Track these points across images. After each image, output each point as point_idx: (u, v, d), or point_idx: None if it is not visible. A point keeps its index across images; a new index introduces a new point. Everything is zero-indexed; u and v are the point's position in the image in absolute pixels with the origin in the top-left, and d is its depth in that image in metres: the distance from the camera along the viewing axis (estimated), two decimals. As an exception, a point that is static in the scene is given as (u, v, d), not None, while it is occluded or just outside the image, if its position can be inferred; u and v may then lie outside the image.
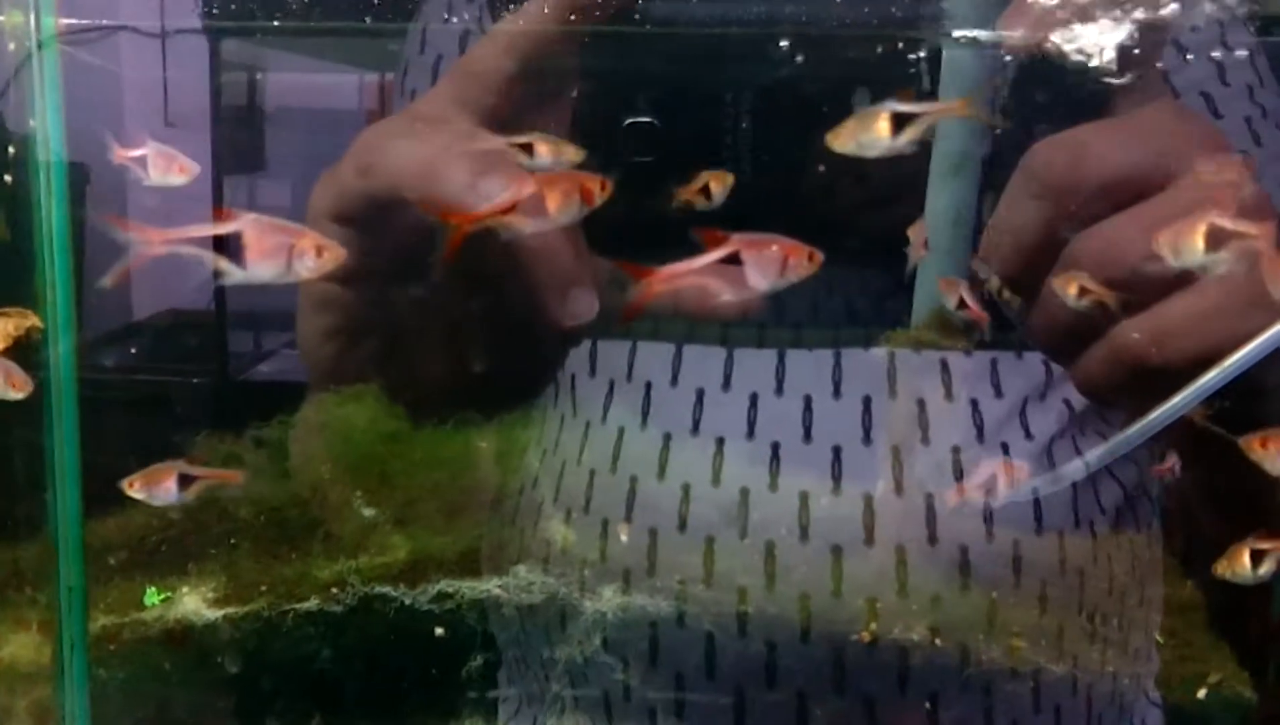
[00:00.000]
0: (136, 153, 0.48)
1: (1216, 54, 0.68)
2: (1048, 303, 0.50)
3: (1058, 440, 0.67)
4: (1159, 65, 0.55)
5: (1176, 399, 0.49)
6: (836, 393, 0.67)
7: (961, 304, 0.56)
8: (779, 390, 0.67)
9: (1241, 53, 0.69)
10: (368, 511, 0.64)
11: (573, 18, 0.51)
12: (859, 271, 0.65)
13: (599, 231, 0.52)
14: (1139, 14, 0.49)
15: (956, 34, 0.55)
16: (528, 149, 0.49)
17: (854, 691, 0.64)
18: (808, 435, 0.66)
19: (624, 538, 0.66)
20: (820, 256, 0.46)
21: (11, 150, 0.62)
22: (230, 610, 0.70)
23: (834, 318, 0.67)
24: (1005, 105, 0.53)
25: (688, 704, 0.66)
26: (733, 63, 0.58)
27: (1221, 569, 0.54)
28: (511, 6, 0.52)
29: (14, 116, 0.62)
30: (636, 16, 0.54)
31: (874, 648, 0.63)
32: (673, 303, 0.49)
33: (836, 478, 0.65)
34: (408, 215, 0.50)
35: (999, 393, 0.67)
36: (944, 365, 0.67)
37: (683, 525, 0.65)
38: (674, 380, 0.68)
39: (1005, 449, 0.66)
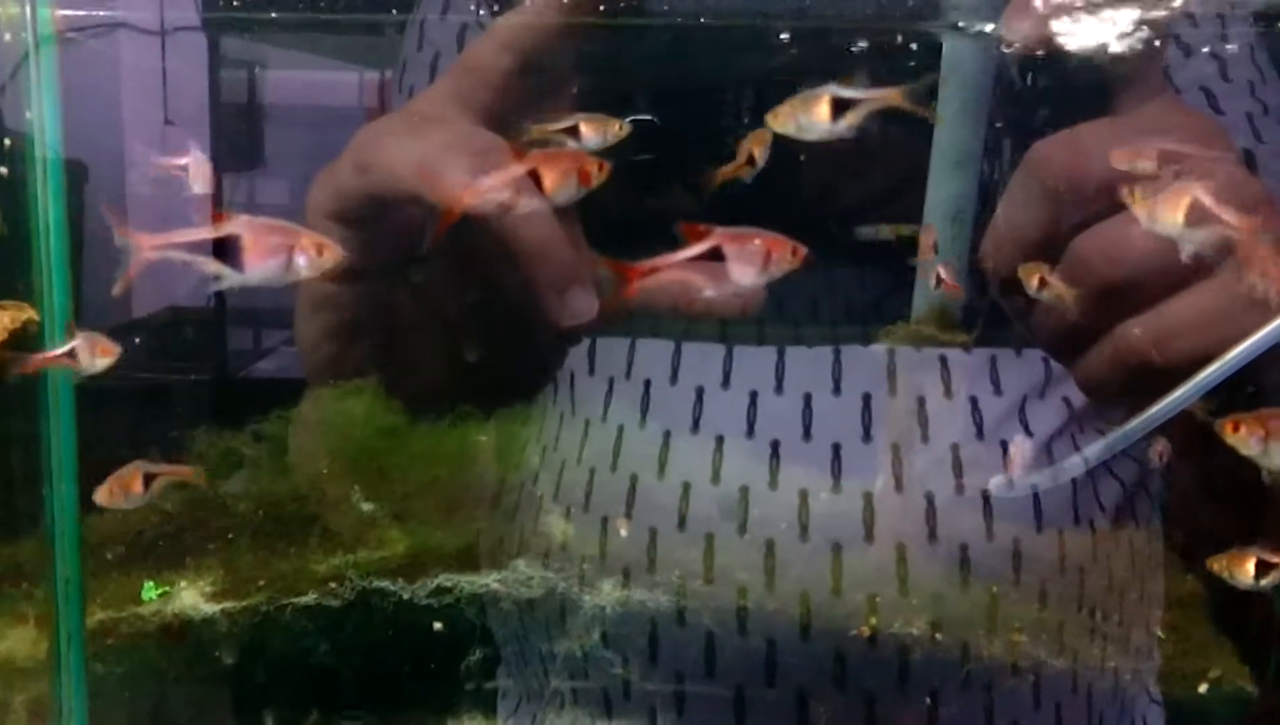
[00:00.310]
0: (180, 161, 0.47)
1: (1218, 50, 0.68)
2: (1050, 301, 0.49)
3: (1057, 438, 0.67)
4: (1160, 62, 0.54)
5: (1173, 396, 0.49)
6: (836, 390, 0.66)
7: (939, 281, 0.56)
8: (778, 388, 0.67)
9: (1242, 48, 0.69)
10: (366, 506, 0.64)
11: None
12: (859, 268, 0.65)
13: (600, 230, 0.52)
14: (1140, 11, 0.49)
15: (959, 26, 0.55)
16: (574, 131, 0.49)
17: (854, 688, 0.64)
18: (807, 433, 0.66)
19: (623, 532, 0.66)
20: (804, 251, 0.46)
21: (8, 142, 0.62)
22: (228, 605, 0.70)
23: (833, 314, 0.67)
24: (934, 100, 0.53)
25: (687, 700, 0.66)
26: (732, 57, 0.58)
27: (1219, 568, 0.54)
28: (509, 3, 0.52)
29: (12, 111, 0.62)
30: (636, 9, 0.54)
31: (874, 644, 0.63)
32: (670, 301, 0.49)
33: (836, 475, 0.65)
34: (406, 213, 0.49)
35: (998, 390, 0.67)
36: (943, 362, 0.67)
37: (682, 523, 0.65)
38: (673, 378, 0.68)
39: (1005, 447, 0.66)
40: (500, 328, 0.53)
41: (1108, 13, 0.49)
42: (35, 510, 0.64)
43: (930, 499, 0.64)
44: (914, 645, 0.63)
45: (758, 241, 0.46)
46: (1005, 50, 0.52)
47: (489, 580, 0.68)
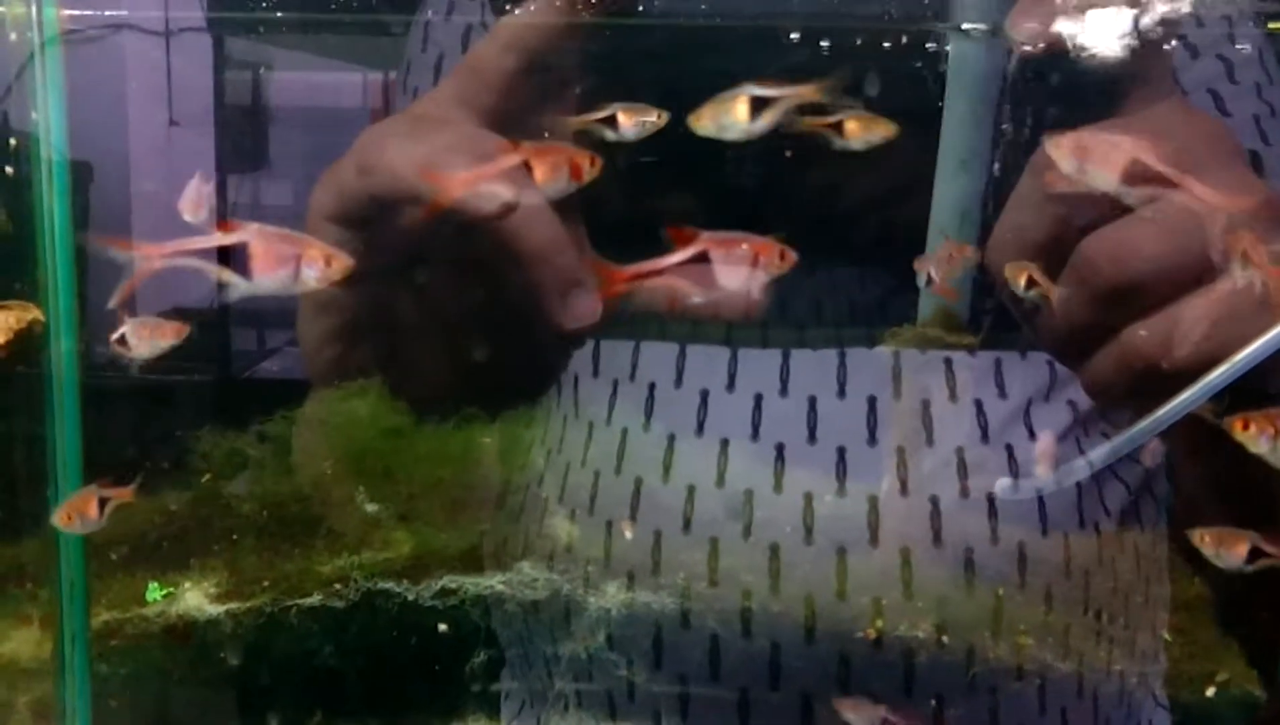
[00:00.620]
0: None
1: (1225, 51, 0.68)
2: (1057, 304, 0.49)
3: (1062, 441, 0.66)
4: (1168, 64, 0.54)
5: (1179, 399, 0.49)
6: (841, 393, 0.66)
7: (930, 281, 0.56)
8: (783, 391, 0.67)
9: (1250, 50, 0.69)
10: (371, 507, 0.64)
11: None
12: (863, 270, 0.65)
13: (604, 232, 0.52)
14: (1148, 12, 0.49)
15: (966, 27, 0.54)
16: (611, 121, 0.49)
17: (859, 692, 0.63)
18: (812, 436, 0.66)
19: (628, 534, 0.66)
20: (792, 254, 0.46)
21: (14, 142, 0.62)
22: (232, 606, 0.70)
23: (838, 317, 0.67)
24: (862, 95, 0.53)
25: (692, 702, 0.66)
26: (737, 57, 0.58)
27: (1207, 545, 0.53)
28: (513, 4, 0.52)
29: (17, 110, 0.62)
30: (639, 10, 0.54)
31: (879, 648, 0.63)
32: (674, 303, 0.48)
33: (841, 478, 0.65)
34: (409, 215, 0.49)
35: (1003, 393, 0.67)
36: (948, 365, 0.67)
37: (687, 525, 0.65)
38: (678, 381, 0.68)
39: (1010, 450, 0.66)
40: (504, 330, 0.53)
41: (1115, 13, 0.48)
42: (40, 511, 0.64)
43: (935, 502, 0.64)
44: (919, 648, 0.63)
45: (745, 245, 0.45)
46: (1012, 51, 0.51)
47: (494, 582, 0.68)
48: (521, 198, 0.48)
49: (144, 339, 0.49)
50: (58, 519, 0.60)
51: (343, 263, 0.45)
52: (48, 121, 0.61)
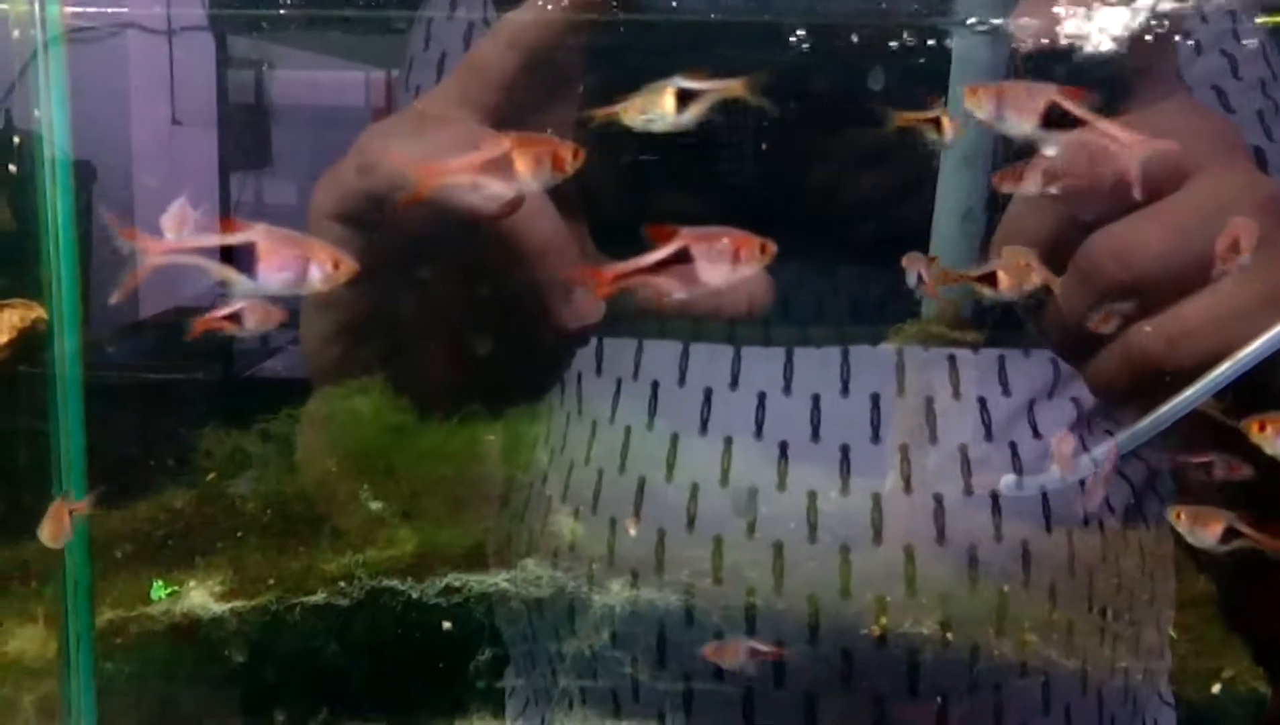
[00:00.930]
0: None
1: (1228, 47, 0.68)
2: (1061, 302, 0.49)
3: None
4: (1173, 60, 0.54)
5: (1183, 396, 0.49)
6: (844, 391, 0.66)
7: (920, 281, 0.56)
8: (787, 389, 0.67)
9: (1254, 45, 0.69)
10: (375, 505, 0.64)
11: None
12: (867, 267, 0.65)
13: (605, 231, 0.52)
14: (1152, 8, 0.49)
15: (969, 23, 0.54)
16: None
17: (863, 689, 0.64)
18: (816, 433, 0.66)
19: (632, 532, 0.66)
20: (773, 248, 0.46)
21: (17, 140, 0.62)
22: (237, 604, 0.70)
23: (841, 315, 0.67)
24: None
25: (696, 700, 0.66)
26: (740, 54, 0.58)
27: (1182, 525, 0.53)
28: (516, 1, 0.51)
29: (20, 109, 0.62)
30: (642, 5, 0.54)
31: (883, 645, 0.63)
32: (681, 303, 0.48)
33: (845, 475, 0.65)
34: (410, 214, 0.49)
35: (1007, 391, 0.67)
36: (952, 363, 0.67)
37: (691, 523, 0.65)
38: (681, 379, 0.68)
39: (1013, 447, 0.66)
40: (506, 328, 0.53)
41: (1118, 9, 0.48)
42: (44, 510, 0.64)
43: (939, 499, 0.64)
44: (923, 646, 0.63)
45: (725, 240, 0.45)
46: (1016, 47, 0.51)
47: (498, 580, 0.68)
48: (524, 196, 0.48)
49: (254, 318, 0.50)
50: (45, 535, 0.61)
51: (349, 266, 0.45)
52: (50, 120, 0.61)
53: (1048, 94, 0.44)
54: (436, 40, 0.76)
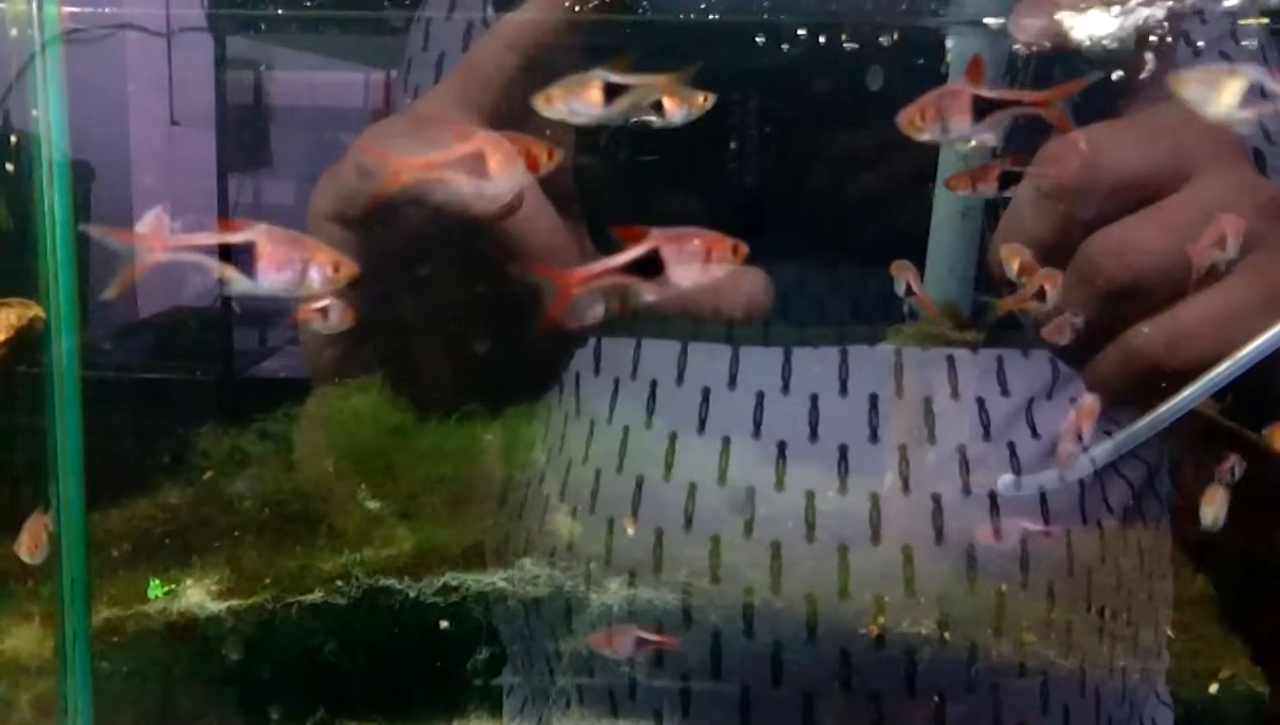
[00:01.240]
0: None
1: (1227, 48, 0.68)
2: (1060, 303, 0.49)
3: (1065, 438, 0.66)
4: (1171, 62, 0.54)
5: (1181, 396, 0.49)
6: (843, 391, 0.66)
7: (909, 291, 0.56)
8: (785, 388, 0.67)
9: (1253, 46, 0.69)
10: (372, 504, 0.64)
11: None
12: (865, 267, 0.65)
13: (606, 231, 0.52)
14: (1151, 9, 0.49)
15: (968, 22, 0.54)
16: (658, 106, 0.49)
17: (861, 688, 0.63)
18: (814, 433, 0.66)
19: (630, 531, 0.66)
20: (744, 249, 0.45)
21: (14, 139, 0.62)
22: (234, 603, 0.70)
23: (840, 315, 0.67)
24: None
25: (693, 699, 0.66)
26: (740, 54, 0.58)
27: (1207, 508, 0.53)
28: (515, 2, 0.51)
29: (18, 108, 0.62)
30: (642, 6, 0.54)
31: (881, 645, 0.63)
32: (680, 304, 0.48)
33: (843, 475, 0.65)
34: (409, 216, 0.49)
35: (1005, 391, 0.67)
36: (950, 363, 0.67)
37: (689, 523, 0.65)
38: (679, 378, 0.68)
39: (1012, 447, 0.66)
40: (505, 328, 0.53)
41: (1118, 10, 0.48)
42: (41, 508, 0.64)
43: (937, 499, 0.64)
44: (921, 645, 0.63)
45: (696, 241, 0.45)
46: (1015, 47, 0.51)
47: (495, 579, 0.68)
48: (523, 197, 0.48)
49: (338, 316, 0.51)
50: (24, 550, 0.62)
51: (349, 269, 0.45)
52: (48, 120, 0.61)
53: (964, 91, 0.45)
54: (435, 40, 0.76)
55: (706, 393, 0.67)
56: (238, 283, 0.44)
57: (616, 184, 0.56)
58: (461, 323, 0.54)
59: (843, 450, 0.65)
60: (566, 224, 0.51)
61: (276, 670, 0.76)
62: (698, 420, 0.67)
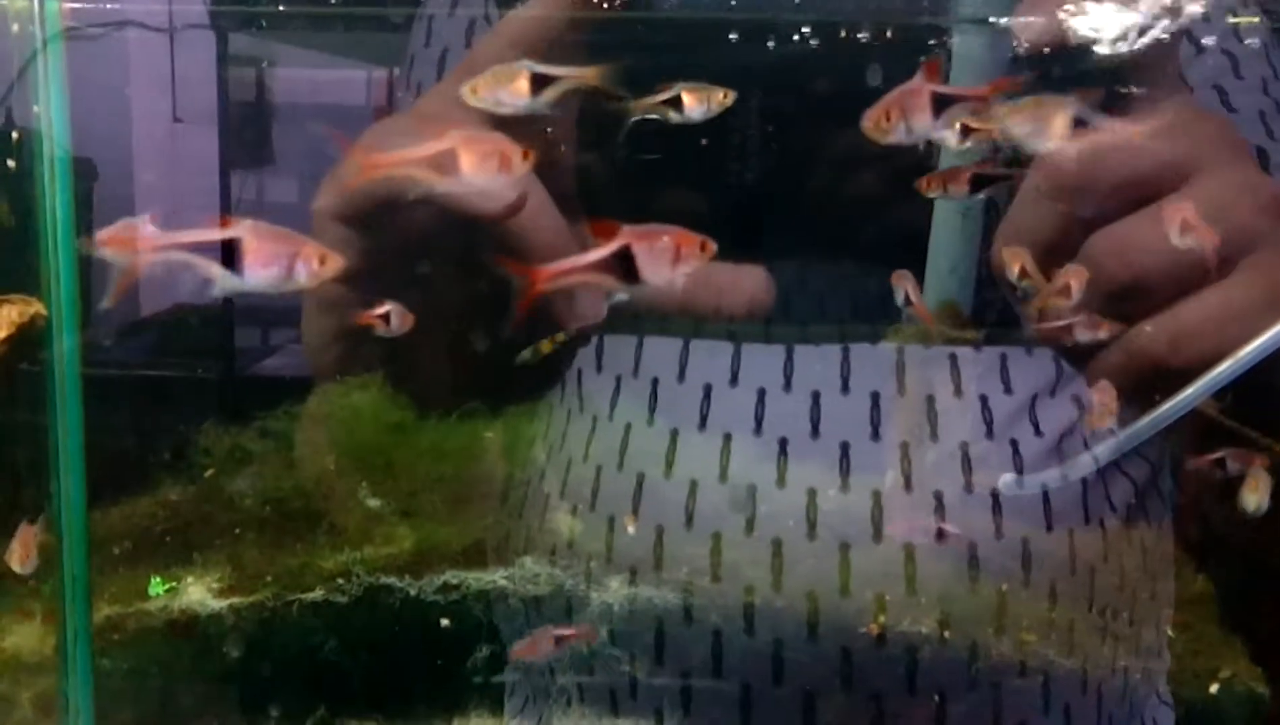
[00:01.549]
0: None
1: (1230, 46, 0.68)
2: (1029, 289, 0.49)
3: (1067, 437, 0.66)
4: (1174, 61, 0.54)
5: (1184, 394, 0.49)
6: (845, 388, 0.66)
7: (908, 301, 0.56)
8: (787, 386, 0.66)
9: (1256, 45, 0.69)
10: (373, 502, 0.64)
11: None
12: (867, 265, 0.65)
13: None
14: (1154, 8, 0.49)
15: (970, 20, 0.54)
16: (676, 102, 0.49)
17: (862, 687, 0.63)
18: (815, 431, 0.66)
19: (631, 529, 0.66)
20: (713, 246, 0.45)
21: (16, 136, 0.62)
22: (235, 601, 0.70)
23: (842, 312, 0.67)
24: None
25: (694, 698, 0.66)
26: (742, 51, 0.58)
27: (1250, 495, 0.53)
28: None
29: (21, 105, 0.62)
30: (645, 3, 0.54)
31: (882, 643, 0.63)
32: (683, 302, 0.48)
33: (844, 473, 0.65)
34: (411, 215, 0.49)
35: (1008, 389, 0.67)
36: (953, 361, 0.67)
37: (690, 521, 0.65)
38: (681, 376, 0.68)
39: (1015, 445, 0.66)
40: (506, 327, 0.53)
41: (1120, 10, 0.48)
42: (42, 507, 0.64)
43: (939, 498, 0.64)
44: (922, 644, 0.63)
45: (666, 238, 0.45)
46: (1017, 46, 0.51)
47: (496, 577, 0.68)
48: (526, 196, 0.48)
49: (399, 320, 0.52)
50: (15, 561, 0.62)
51: (335, 262, 0.45)
52: (50, 117, 0.61)
53: (922, 89, 0.45)
54: (438, 37, 0.76)
55: (708, 390, 0.67)
56: (225, 280, 0.44)
57: (619, 182, 0.56)
58: (463, 321, 0.54)
59: (844, 448, 0.65)
60: (567, 222, 0.51)
61: (277, 668, 0.76)
62: (699, 417, 0.67)
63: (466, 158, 0.45)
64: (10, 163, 0.63)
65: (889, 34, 0.55)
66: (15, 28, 0.57)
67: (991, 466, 0.65)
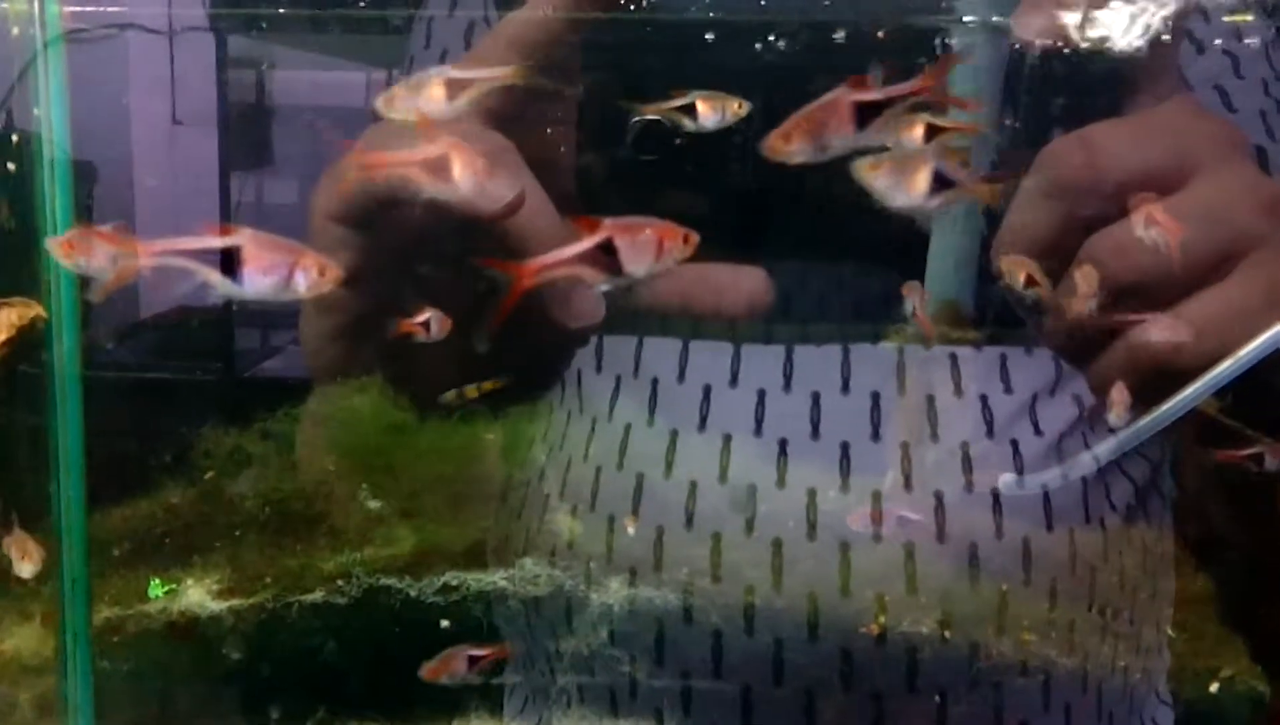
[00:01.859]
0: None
1: (1231, 46, 0.68)
2: (1060, 300, 0.49)
3: (1068, 436, 0.66)
4: (1175, 61, 0.54)
5: (1184, 394, 0.49)
6: (845, 388, 0.66)
7: (914, 313, 0.56)
8: (787, 386, 0.67)
9: (1256, 44, 0.69)
10: (373, 503, 0.64)
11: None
12: (869, 265, 0.65)
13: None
14: (1154, 8, 0.48)
15: (969, 20, 0.54)
16: (690, 109, 0.49)
17: (862, 687, 0.63)
18: (815, 431, 0.66)
19: (630, 530, 0.66)
20: (696, 239, 0.45)
21: (16, 139, 0.62)
22: (234, 602, 0.70)
23: (842, 312, 0.67)
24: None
25: (694, 698, 0.66)
26: (743, 53, 0.57)
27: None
28: (516, 1, 0.51)
29: (21, 108, 0.62)
30: (645, 4, 0.54)
31: (882, 644, 0.63)
32: (681, 301, 0.48)
33: (845, 473, 0.65)
34: (411, 216, 0.49)
35: (1009, 388, 0.67)
36: (953, 360, 0.67)
37: (690, 521, 0.65)
38: (681, 376, 0.68)
39: (1015, 445, 0.66)
40: (506, 327, 0.53)
41: (1120, 9, 0.48)
42: (42, 509, 0.64)
43: (939, 497, 0.64)
44: (922, 644, 0.63)
45: (648, 231, 0.45)
46: (1017, 46, 0.51)
47: (496, 578, 0.68)
48: (525, 196, 0.48)
49: (438, 326, 0.52)
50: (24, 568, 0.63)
51: (335, 273, 0.45)
52: (50, 119, 0.61)
53: (841, 99, 0.45)
54: (437, 39, 0.76)
55: (708, 390, 0.67)
56: (223, 287, 0.44)
57: (619, 183, 0.56)
58: (463, 321, 0.54)
59: (844, 448, 0.65)
60: (568, 222, 0.51)
61: (277, 669, 0.76)
62: (699, 418, 0.67)
63: (457, 163, 0.46)
64: (10, 165, 0.63)
65: (891, 34, 0.55)
66: (15, 30, 0.57)
67: (992, 466, 0.65)
